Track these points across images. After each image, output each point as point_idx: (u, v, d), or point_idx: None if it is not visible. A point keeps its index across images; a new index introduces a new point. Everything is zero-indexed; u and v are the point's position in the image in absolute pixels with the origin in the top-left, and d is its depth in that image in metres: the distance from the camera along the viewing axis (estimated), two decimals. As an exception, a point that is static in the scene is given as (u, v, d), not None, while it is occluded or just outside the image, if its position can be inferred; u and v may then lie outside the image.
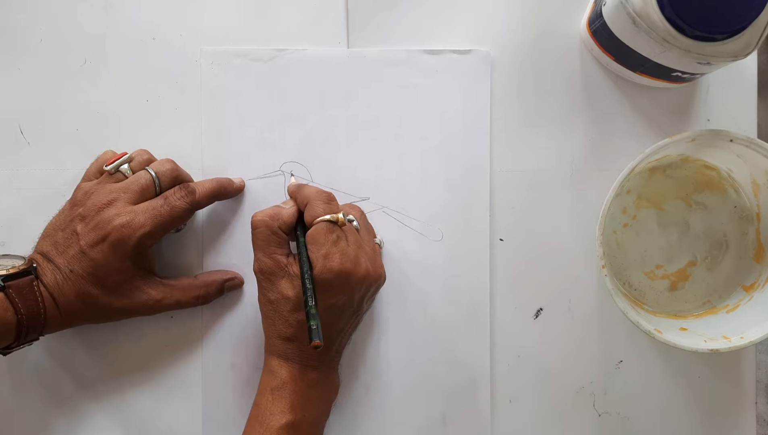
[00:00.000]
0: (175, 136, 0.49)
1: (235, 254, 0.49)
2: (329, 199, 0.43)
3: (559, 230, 0.50)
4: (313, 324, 0.38)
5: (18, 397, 0.49)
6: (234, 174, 0.49)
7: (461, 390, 0.49)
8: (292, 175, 0.49)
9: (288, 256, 0.43)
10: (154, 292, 0.45)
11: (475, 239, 0.49)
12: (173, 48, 0.50)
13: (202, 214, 0.49)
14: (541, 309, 0.50)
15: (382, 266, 0.45)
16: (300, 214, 0.44)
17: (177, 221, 0.45)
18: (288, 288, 0.42)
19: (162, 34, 0.50)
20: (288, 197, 0.46)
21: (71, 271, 0.42)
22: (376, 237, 0.47)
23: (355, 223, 0.44)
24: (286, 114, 0.50)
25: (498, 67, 0.50)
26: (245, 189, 0.49)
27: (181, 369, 0.49)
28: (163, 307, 0.46)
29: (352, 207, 0.47)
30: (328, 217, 0.42)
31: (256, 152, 0.49)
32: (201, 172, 0.49)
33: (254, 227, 0.43)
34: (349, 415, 0.49)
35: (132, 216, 0.43)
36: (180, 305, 0.47)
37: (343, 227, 0.42)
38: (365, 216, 0.47)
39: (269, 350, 0.44)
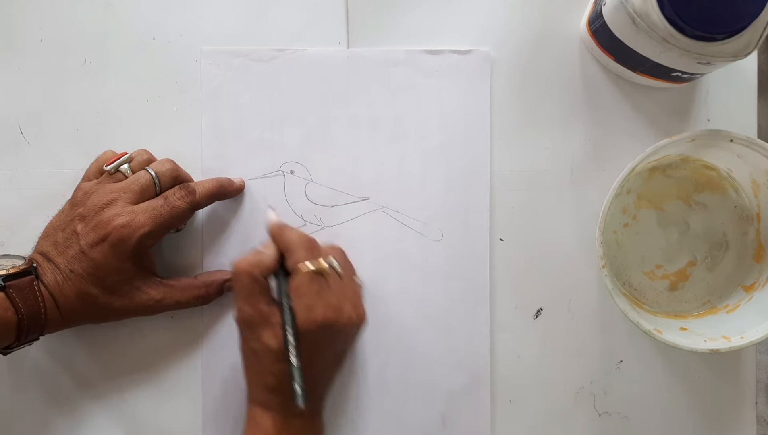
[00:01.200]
0: (175, 136, 0.49)
1: (235, 254, 0.49)
2: (311, 246, 0.43)
3: (559, 230, 0.50)
4: (298, 387, 0.38)
5: (18, 397, 0.49)
6: (234, 174, 0.49)
7: (461, 390, 0.49)
8: (270, 208, 0.47)
9: (270, 305, 0.42)
10: (154, 293, 0.45)
11: (475, 239, 0.49)
12: (173, 48, 0.50)
13: (202, 214, 0.49)
14: (541, 309, 0.50)
15: (363, 307, 0.44)
16: (281, 255, 0.43)
17: (177, 221, 0.45)
18: (271, 338, 0.41)
19: (162, 34, 0.50)
20: (268, 236, 0.45)
21: (71, 271, 0.42)
22: (355, 275, 0.46)
23: (336, 265, 0.43)
24: (286, 114, 0.50)
25: (498, 67, 0.50)
26: (245, 189, 0.49)
27: (181, 369, 0.49)
28: (163, 308, 0.46)
29: (332, 248, 0.46)
30: (310, 265, 0.41)
31: (256, 152, 0.49)
32: (201, 172, 0.49)
33: (236, 276, 0.42)
34: (349, 415, 0.49)
35: (132, 216, 0.43)
36: (180, 305, 0.47)
37: (325, 274, 0.41)
38: (345, 255, 0.46)
39: (252, 400, 0.43)
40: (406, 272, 0.49)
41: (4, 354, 0.43)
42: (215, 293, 0.48)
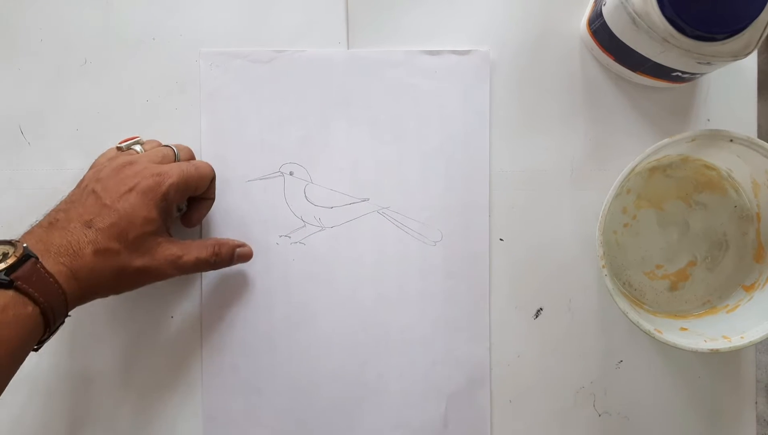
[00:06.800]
0: (175, 137, 0.49)
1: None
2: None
3: (559, 230, 0.50)
4: None
5: (18, 397, 0.49)
6: (234, 174, 0.49)
7: (461, 390, 0.49)
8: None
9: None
10: (175, 249, 0.43)
11: (475, 239, 0.49)
12: (173, 48, 0.50)
13: (202, 214, 0.49)
14: (541, 309, 0.50)
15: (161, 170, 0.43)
16: None
17: (202, 182, 0.44)
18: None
19: (162, 34, 0.50)
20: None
21: (89, 227, 0.40)
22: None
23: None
24: (285, 115, 0.50)
25: (498, 68, 0.50)
26: (245, 189, 0.49)
27: (181, 369, 0.49)
28: (183, 265, 0.43)
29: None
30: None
31: (255, 153, 0.49)
32: (201, 172, 0.49)
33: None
34: (349, 415, 0.49)
35: (159, 168, 0.42)
36: (198, 263, 0.44)
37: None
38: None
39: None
40: (406, 273, 0.49)
41: (36, 350, 0.40)
42: (227, 255, 0.46)
